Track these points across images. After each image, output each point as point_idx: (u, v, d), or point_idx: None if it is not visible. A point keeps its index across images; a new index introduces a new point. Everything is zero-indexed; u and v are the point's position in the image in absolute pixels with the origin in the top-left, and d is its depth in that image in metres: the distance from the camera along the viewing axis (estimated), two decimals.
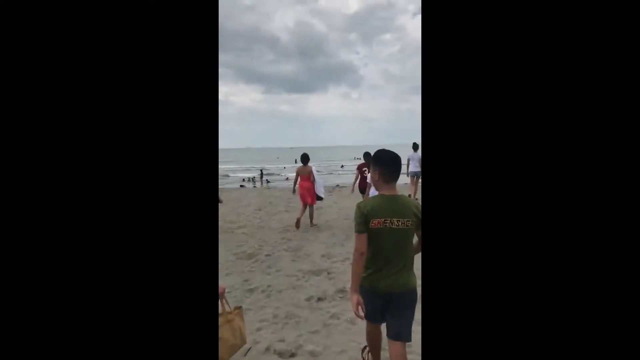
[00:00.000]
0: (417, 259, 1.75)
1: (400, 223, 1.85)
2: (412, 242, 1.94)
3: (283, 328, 2.96)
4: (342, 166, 31.07)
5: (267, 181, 19.72)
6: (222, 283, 2.15)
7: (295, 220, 6.58)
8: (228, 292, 3.23)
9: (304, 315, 3.18)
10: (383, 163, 1.93)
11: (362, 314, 1.89)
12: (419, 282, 1.92)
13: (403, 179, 7.20)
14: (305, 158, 6.65)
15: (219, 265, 3.65)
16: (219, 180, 7.06)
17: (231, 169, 30.20)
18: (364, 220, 1.87)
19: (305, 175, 6.53)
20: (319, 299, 3.50)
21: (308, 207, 6.65)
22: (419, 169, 8.48)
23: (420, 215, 1.88)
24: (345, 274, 4.06)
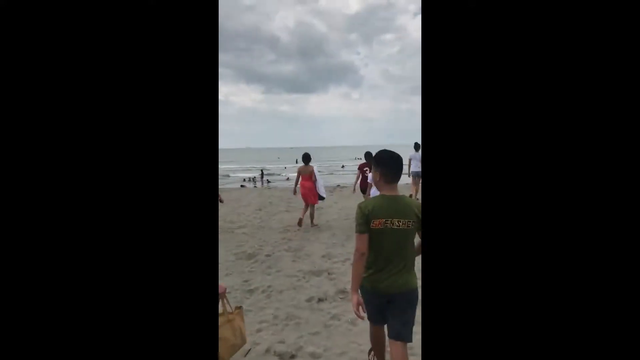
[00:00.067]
0: (419, 258, 1.74)
1: (401, 223, 1.85)
2: (413, 242, 1.93)
3: (283, 329, 2.94)
4: (342, 166, 31.07)
5: (268, 181, 19.71)
6: (223, 283, 2.18)
7: (297, 220, 6.60)
8: (228, 292, 3.22)
9: (304, 316, 3.15)
10: (384, 163, 1.93)
11: (362, 314, 1.90)
12: (419, 282, 1.89)
13: (404, 179, 7.19)
14: (306, 158, 6.63)
15: (219, 265, 3.63)
16: (220, 181, 7.04)
17: (231, 169, 30.21)
18: (365, 220, 1.87)
19: (306, 175, 6.52)
20: (320, 300, 3.48)
21: (309, 207, 6.65)
22: (420, 169, 8.46)
23: (421, 216, 1.87)
24: (346, 274, 4.03)
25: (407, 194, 2.14)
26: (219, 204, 6.40)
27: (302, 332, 2.87)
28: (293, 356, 2.55)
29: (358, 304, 1.89)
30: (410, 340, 1.91)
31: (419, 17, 1.17)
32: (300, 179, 6.60)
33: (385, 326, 2.04)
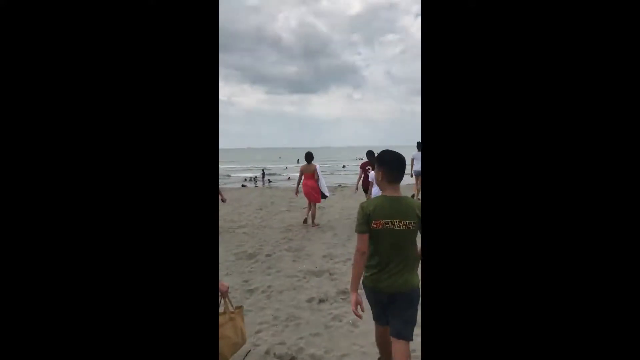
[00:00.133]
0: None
1: (402, 224, 1.86)
2: (414, 243, 1.93)
3: (283, 330, 2.89)
4: (343, 166, 31.09)
5: (269, 181, 19.69)
6: (226, 282, 2.23)
7: (300, 220, 6.60)
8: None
9: (305, 317, 3.10)
10: (387, 163, 1.94)
11: (360, 313, 1.93)
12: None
13: (407, 179, 7.14)
14: (309, 156, 6.60)
15: (219, 265, 3.58)
16: (221, 180, 7.00)
17: (233, 169, 30.22)
18: (365, 220, 1.88)
19: (309, 174, 6.50)
20: (321, 301, 3.43)
21: (311, 206, 6.62)
22: None
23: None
24: (347, 275, 3.98)
25: (410, 194, 2.13)
26: (222, 203, 6.38)
27: (303, 333, 2.82)
28: (293, 358, 2.50)
29: (357, 304, 1.91)
30: (412, 339, 1.92)
31: None
32: (302, 177, 6.57)
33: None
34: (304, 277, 4.05)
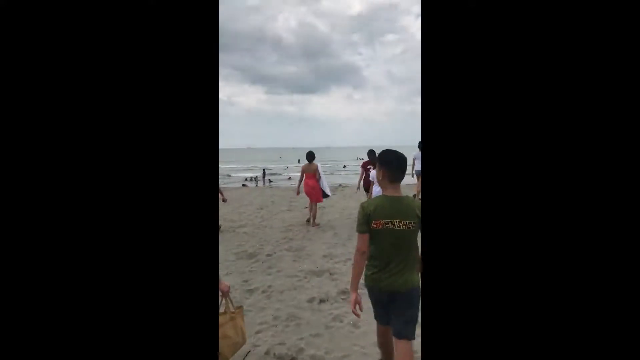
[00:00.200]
0: None
1: (402, 224, 1.86)
2: (415, 242, 1.93)
3: (283, 330, 2.86)
4: (344, 166, 31.08)
5: (270, 180, 19.67)
6: (227, 282, 2.23)
7: (299, 219, 6.55)
8: None
9: (305, 317, 3.07)
10: (388, 163, 1.94)
11: (360, 312, 1.96)
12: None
13: (408, 179, 7.11)
14: (310, 155, 6.58)
15: (219, 265, 3.55)
16: (221, 180, 6.99)
17: (233, 169, 30.21)
18: (366, 220, 1.89)
19: (310, 174, 6.48)
20: (321, 301, 3.40)
21: (313, 205, 6.60)
22: None
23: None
24: (347, 275, 3.95)
25: (411, 194, 2.12)
26: (223, 203, 6.36)
27: (303, 334, 2.79)
28: (293, 359, 2.47)
29: (355, 302, 1.93)
30: (413, 338, 1.92)
31: None
32: (304, 177, 6.54)
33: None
34: (305, 277, 4.02)
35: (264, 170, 23.68)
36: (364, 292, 2.19)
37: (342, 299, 3.41)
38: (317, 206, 6.80)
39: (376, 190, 4.67)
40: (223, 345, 2.01)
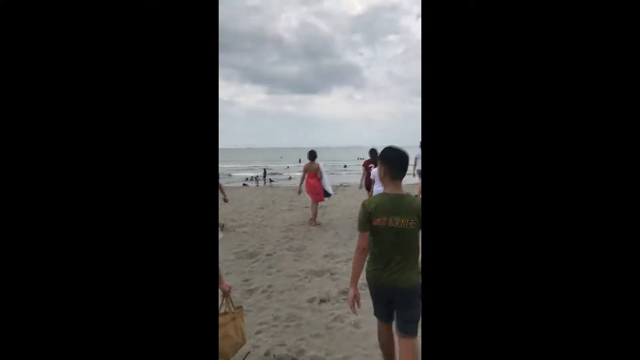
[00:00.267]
0: None
1: (402, 222, 1.86)
2: (416, 240, 1.92)
3: (283, 331, 2.82)
4: (345, 166, 31.09)
5: (271, 180, 19.65)
6: (228, 282, 2.21)
7: (299, 219, 6.51)
8: None
9: (305, 318, 3.03)
10: (389, 160, 1.95)
11: (357, 308, 2.00)
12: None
13: (411, 179, 7.06)
14: (312, 154, 6.54)
15: (219, 264, 3.52)
16: (222, 180, 6.97)
17: (234, 168, 30.20)
18: (367, 218, 1.91)
19: (312, 172, 6.44)
20: (322, 301, 3.36)
21: (314, 204, 6.57)
22: None
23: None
24: (348, 274, 3.89)
25: (414, 194, 2.09)
26: (224, 203, 6.32)
27: (304, 334, 2.75)
28: None
29: (354, 298, 1.97)
30: (416, 334, 1.93)
31: None
32: (306, 176, 6.50)
33: (394, 325, 2.07)
34: (305, 277, 3.98)
35: (264, 169, 23.65)
36: (365, 292, 2.15)
37: (343, 299, 3.37)
38: (318, 205, 6.76)
39: (377, 188, 4.64)
40: (225, 345, 2.01)
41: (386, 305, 2.01)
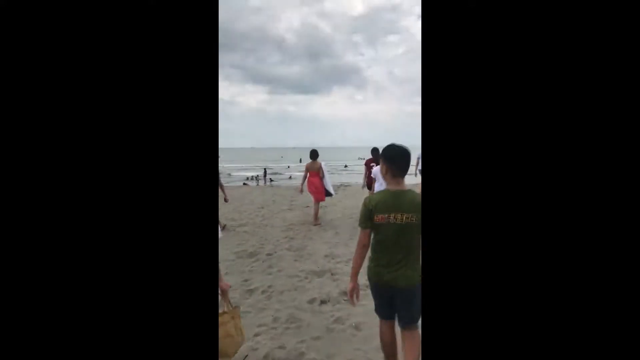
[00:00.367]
0: None
1: (403, 218, 1.86)
2: (417, 238, 1.91)
3: (283, 333, 2.75)
4: (345, 166, 31.08)
5: (271, 180, 19.61)
6: (227, 282, 2.20)
7: (300, 218, 6.46)
8: None
9: (306, 319, 2.97)
10: (391, 158, 1.94)
11: (356, 301, 2.01)
12: None
13: (412, 178, 7.02)
14: (314, 154, 6.51)
15: (219, 264, 3.47)
16: (222, 180, 6.92)
17: (234, 168, 30.18)
18: (367, 216, 1.91)
19: (314, 172, 6.40)
20: (322, 302, 3.30)
21: (315, 204, 6.53)
22: None
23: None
24: (349, 275, 3.84)
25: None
26: (224, 202, 6.27)
27: (304, 337, 2.69)
28: None
29: (352, 290, 1.99)
30: (417, 321, 1.94)
31: None
32: (307, 175, 6.45)
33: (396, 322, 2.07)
34: (306, 277, 3.92)
35: (265, 169, 23.60)
36: (366, 292, 2.09)
37: (344, 300, 3.30)
38: (319, 205, 6.71)
39: (378, 187, 4.59)
40: (226, 344, 2.00)
41: (388, 302, 2.01)
